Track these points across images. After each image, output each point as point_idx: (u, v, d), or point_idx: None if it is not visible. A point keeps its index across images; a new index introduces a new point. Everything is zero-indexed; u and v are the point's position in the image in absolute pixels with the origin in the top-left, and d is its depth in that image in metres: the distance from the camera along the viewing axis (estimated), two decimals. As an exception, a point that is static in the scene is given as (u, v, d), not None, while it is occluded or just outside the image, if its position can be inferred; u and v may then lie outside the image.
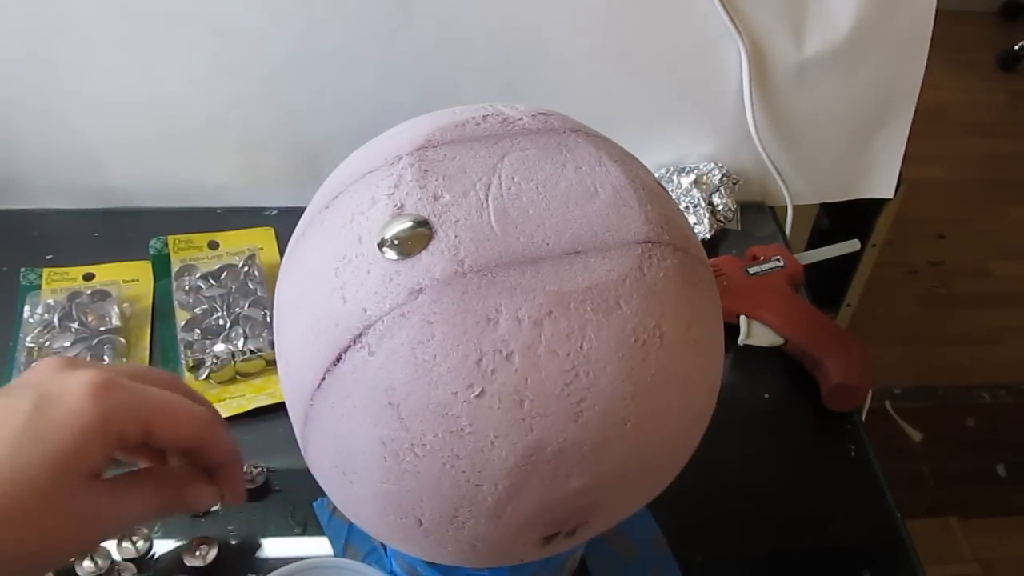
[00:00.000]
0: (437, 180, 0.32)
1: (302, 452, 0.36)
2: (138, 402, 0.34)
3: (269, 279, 0.67)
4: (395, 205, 0.32)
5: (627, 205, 0.33)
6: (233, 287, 0.66)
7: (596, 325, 0.30)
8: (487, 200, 0.31)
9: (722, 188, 0.76)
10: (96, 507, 0.33)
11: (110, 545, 0.52)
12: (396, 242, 0.30)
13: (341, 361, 0.31)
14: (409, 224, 0.31)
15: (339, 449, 0.32)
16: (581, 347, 0.29)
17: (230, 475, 0.40)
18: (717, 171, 0.76)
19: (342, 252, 0.32)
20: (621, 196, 0.33)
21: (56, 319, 0.63)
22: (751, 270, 0.68)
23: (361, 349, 0.30)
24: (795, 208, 0.80)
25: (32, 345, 0.61)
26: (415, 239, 0.30)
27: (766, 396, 0.64)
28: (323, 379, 0.31)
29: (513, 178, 0.32)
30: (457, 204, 0.31)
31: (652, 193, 0.34)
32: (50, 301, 0.64)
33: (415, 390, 0.29)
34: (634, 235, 0.32)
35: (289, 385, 0.34)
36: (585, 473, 0.31)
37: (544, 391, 0.29)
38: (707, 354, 0.33)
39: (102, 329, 0.63)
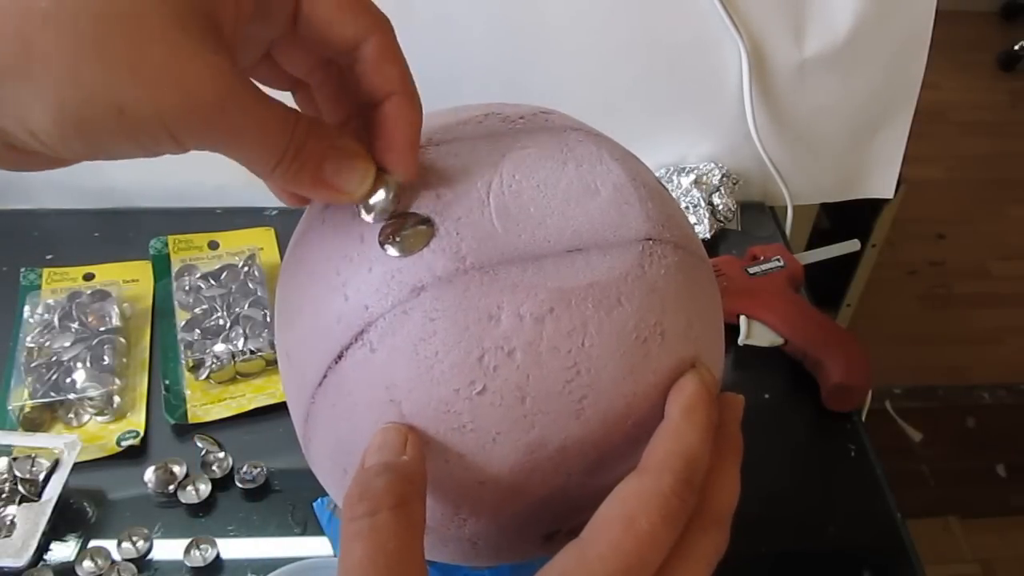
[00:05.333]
0: (438, 178, 0.32)
1: (303, 450, 0.36)
2: None
3: (269, 279, 0.67)
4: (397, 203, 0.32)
5: (628, 203, 0.33)
6: (233, 287, 0.66)
7: (597, 322, 0.30)
8: (488, 198, 0.31)
9: (722, 188, 0.76)
10: (194, 59, 0.25)
11: (110, 545, 0.52)
12: (398, 240, 0.30)
13: (343, 358, 0.30)
14: (411, 222, 0.31)
15: (340, 446, 0.32)
16: (583, 344, 0.29)
17: (399, 122, 0.30)
18: (717, 171, 0.76)
19: (344, 250, 0.32)
20: (622, 194, 0.33)
21: (56, 319, 0.63)
22: (751, 270, 0.68)
23: (363, 346, 0.30)
24: (795, 208, 0.80)
25: (32, 345, 0.61)
26: (417, 236, 0.30)
27: (766, 396, 0.64)
28: (324, 376, 0.31)
29: (514, 176, 0.32)
30: (458, 202, 0.31)
31: (653, 191, 0.34)
32: (50, 301, 0.64)
33: (417, 387, 0.29)
34: (635, 232, 0.32)
35: (290, 383, 0.34)
36: (586, 470, 0.31)
37: (546, 388, 0.29)
38: (708, 350, 0.33)
39: (102, 329, 0.63)
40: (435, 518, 0.32)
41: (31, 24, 0.23)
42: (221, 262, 0.68)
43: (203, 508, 0.55)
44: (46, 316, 0.63)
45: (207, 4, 0.26)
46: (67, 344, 0.61)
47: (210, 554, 0.51)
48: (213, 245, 0.71)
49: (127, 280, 0.68)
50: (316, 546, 0.53)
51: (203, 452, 0.57)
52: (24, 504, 0.52)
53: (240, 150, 0.27)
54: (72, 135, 0.25)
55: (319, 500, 0.54)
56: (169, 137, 0.25)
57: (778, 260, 0.69)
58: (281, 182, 0.28)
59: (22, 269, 0.68)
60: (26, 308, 0.64)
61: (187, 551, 0.51)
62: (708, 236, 0.74)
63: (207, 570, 0.51)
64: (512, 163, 0.33)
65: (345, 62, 0.31)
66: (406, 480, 0.28)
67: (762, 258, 0.69)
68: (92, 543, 0.52)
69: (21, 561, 0.49)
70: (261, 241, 0.72)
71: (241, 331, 0.62)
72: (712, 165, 0.77)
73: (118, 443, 0.57)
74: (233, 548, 0.52)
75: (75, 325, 0.63)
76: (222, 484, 0.56)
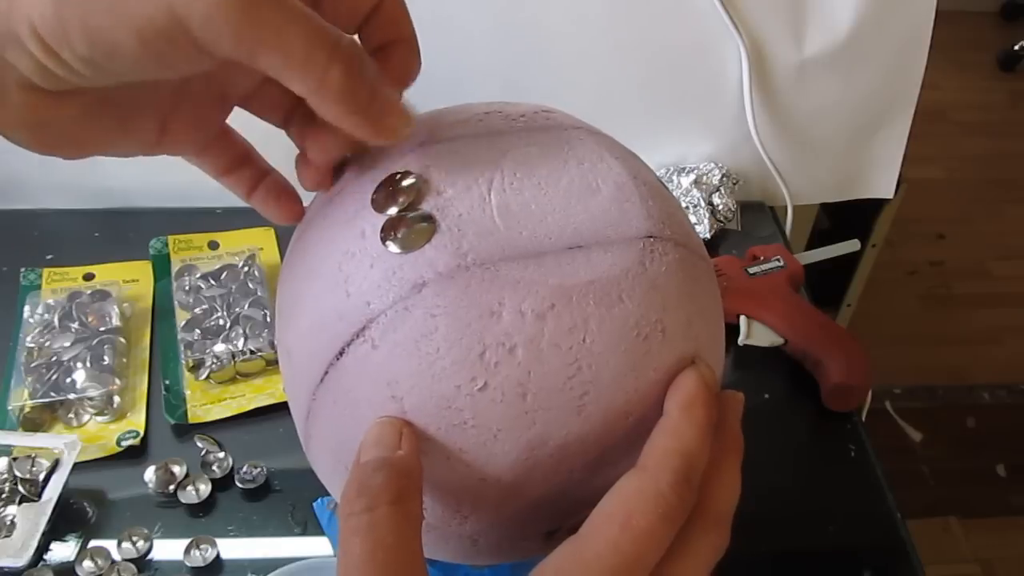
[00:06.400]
0: (440, 175, 0.32)
1: (304, 448, 0.36)
2: None
3: (269, 279, 0.67)
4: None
5: (629, 201, 0.33)
6: (233, 287, 0.66)
7: (599, 319, 0.30)
8: (490, 195, 0.31)
9: (722, 188, 0.76)
10: None
11: (110, 545, 0.52)
12: (399, 236, 0.30)
13: (344, 355, 0.30)
14: (412, 218, 0.31)
15: (342, 444, 0.32)
16: (584, 341, 0.29)
17: (404, 67, 0.32)
18: (717, 171, 0.76)
19: (345, 247, 0.32)
20: (623, 192, 0.33)
21: (56, 319, 0.63)
22: (751, 270, 0.68)
23: (364, 343, 0.30)
24: (795, 208, 0.80)
25: (32, 345, 0.61)
26: (418, 233, 0.30)
27: (766, 396, 0.64)
28: (326, 373, 0.31)
29: (515, 174, 0.32)
30: (460, 199, 0.31)
31: (653, 189, 0.34)
32: (50, 301, 0.64)
33: (418, 383, 0.29)
34: (636, 230, 0.32)
35: (291, 380, 0.34)
36: (587, 467, 0.31)
37: (547, 384, 0.29)
38: (708, 348, 0.33)
39: (102, 329, 0.63)
40: (436, 515, 0.32)
41: None
42: (221, 262, 0.68)
43: (203, 508, 0.55)
44: (46, 316, 0.63)
45: None
46: (67, 344, 0.61)
47: (210, 554, 0.51)
48: (213, 245, 0.71)
49: (127, 280, 0.68)
50: (316, 546, 0.53)
51: (203, 452, 0.57)
52: (24, 504, 0.52)
53: (280, 49, 0.25)
54: (76, 29, 0.24)
55: (319, 500, 0.54)
56: (184, 34, 0.23)
57: (778, 260, 0.69)
58: (337, 94, 0.27)
59: (22, 269, 0.68)
60: (26, 308, 0.64)
61: (187, 551, 0.51)
62: (708, 236, 0.74)
63: (207, 570, 0.51)
64: (513, 161, 0.33)
65: (364, 20, 0.31)
66: (403, 475, 0.28)
67: (762, 258, 0.69)
68: (92, 543, 0.52)
69: (21, 561, 0.49)
70: (261, 241, 0.72)
71: (241, 331, 0.62)
72: (712, 165, 0.77)
73: (118, 443, 0.57)
74: (233, 548, 0.52)
75: (75, 325, 0.63)
76: (222, 484, 0.56)
